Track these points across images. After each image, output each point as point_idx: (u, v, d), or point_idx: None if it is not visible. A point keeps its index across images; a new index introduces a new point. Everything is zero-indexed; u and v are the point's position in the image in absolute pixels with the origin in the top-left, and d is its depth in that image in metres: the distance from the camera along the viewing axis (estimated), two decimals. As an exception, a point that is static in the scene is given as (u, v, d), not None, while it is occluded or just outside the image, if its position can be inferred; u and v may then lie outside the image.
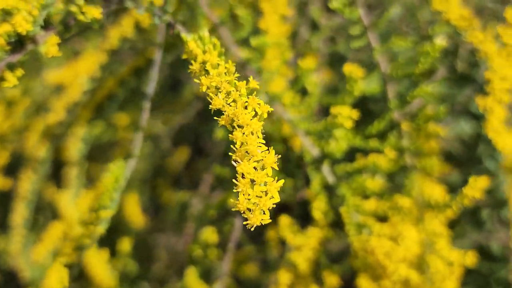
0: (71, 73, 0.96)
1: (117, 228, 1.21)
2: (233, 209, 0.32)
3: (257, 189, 0.32)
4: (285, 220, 0.66)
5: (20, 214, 0.94)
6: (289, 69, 0.75)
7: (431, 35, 0.83)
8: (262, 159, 0.32)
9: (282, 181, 0.33)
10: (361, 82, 0.62)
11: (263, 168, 0.32)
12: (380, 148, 0.64)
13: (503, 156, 0.81)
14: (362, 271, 0.63)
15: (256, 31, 0.74)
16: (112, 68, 1.05)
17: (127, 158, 0.59)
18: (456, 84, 0.83)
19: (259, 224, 0.32)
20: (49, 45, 0.51)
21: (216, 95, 0.35)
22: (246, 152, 0.33)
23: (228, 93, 0.35)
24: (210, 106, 0.35)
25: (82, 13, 0.50)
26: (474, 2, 0.94)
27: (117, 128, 1.23)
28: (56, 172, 1.16)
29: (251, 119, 0.34)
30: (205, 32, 0.41)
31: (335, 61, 0.93)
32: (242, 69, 0.70)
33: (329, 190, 0.65)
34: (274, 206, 0.32)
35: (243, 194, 0.32)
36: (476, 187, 0.62)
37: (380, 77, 0.66)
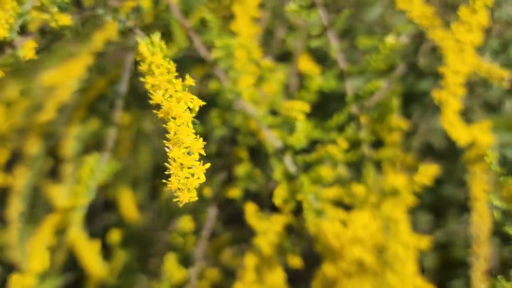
0: (61, 75, 1.02)
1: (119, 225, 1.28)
2: (166, 188, 0.38)
3: (186, 172, 0.37)
4: (250, 207, 0.71)
5: (15, 208, 1.00)
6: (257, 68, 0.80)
7: (397, 33, 0.89)
8: (190, 146, 0.38)
9: (208, 164, 0.38)
10: (318, 79, 0.67)
11: (191, 154, 0.38)
12: (337, 140, 0.69)
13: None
14: (323, 254, 0.68)
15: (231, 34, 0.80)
16: (102, 69, 1.12)
17: (102, 152, 0.65)
18: (416, 80, 0.87)
19: (187, 201, 0.37)
20: (27, 49, 0.57)
21: (156, 92, 0.40)
22: (178, 140, 0.38)
23: (166, 90, 0.40)
24: (150, 101, 0.40)
25: (55, 20, 0.55)
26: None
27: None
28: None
29: (184, 112, 0.39)
30: (156, 37, 0.46)
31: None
32: (212, 69, 0.75)
33: (292, 179, 0.70)
34: (199, 184, 0.37)
35: (174, 176, 0.37)
36: (426, 175, 0.67)
37: (337, 74, 0.71)
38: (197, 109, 0.40)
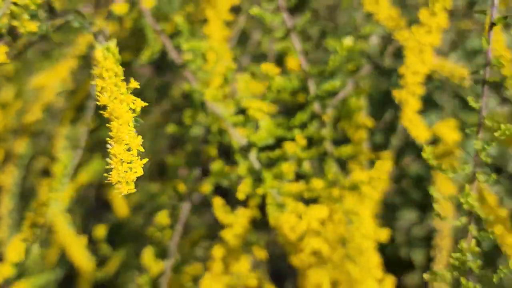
0: (48, 78, 1.06)
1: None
2: (106, 182, 0.41)
3: (125, 166, 0.41)
4: (218, 201, 0.75)
5: (5, 206, 1.05)
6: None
7: (364, 35, 0.92)
8: (129, 143, 0.42)
9: (145, 160, 0.42)
10: (279, 79, 0.71)
11: (130, 150, 0.42)
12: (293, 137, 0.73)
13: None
14: (285, 246, 0.72)
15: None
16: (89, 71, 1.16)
17: (75, 149, 0.69)
18: (380, 79, 0.91)
19: (126, 193, 0.41)
20: (-1, 54, 0.61)
21: (103, 93, 0.44)
22: (119, 138, 0.42)
23: (112, 92, 0.44)
24: (97, 102, 0.44)
25: (23, 27, 0.59)
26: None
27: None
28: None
29: (126, 112, 0.43)
30: (112, 43, 0.50)
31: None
32: (183, 70, 0.79)
33: (256, 174, 0.73)
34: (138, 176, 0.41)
35: (115, 170, 0.41)
36: (381, 169, 0.71)
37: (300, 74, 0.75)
38: (139, 109, 0.44)
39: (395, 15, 0.88)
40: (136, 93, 0.46)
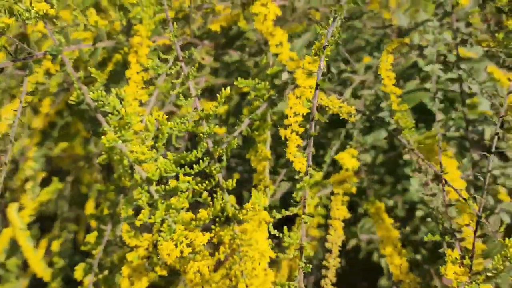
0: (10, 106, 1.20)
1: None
2: None
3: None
4: (125, 226, 0.87)
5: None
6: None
7: (273, 73, 1.03)
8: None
9: None
10: (171, 123, 0.82)
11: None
12: (191, 172, 0.84)
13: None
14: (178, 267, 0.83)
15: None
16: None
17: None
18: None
19: None
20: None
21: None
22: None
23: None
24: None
25: None
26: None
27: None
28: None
29: None
30: None
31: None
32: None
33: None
34: None
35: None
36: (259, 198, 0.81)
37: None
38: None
39: (295, 57, 0.99)
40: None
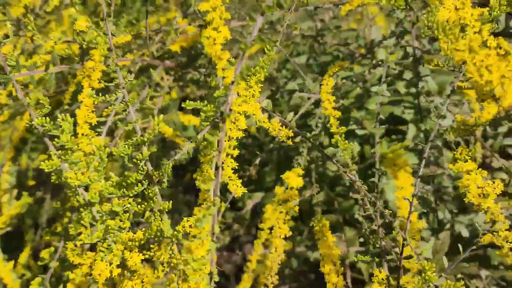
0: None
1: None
2: None
3: None
4: (70, 245, 0.92)
5: None
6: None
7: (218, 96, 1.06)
8: None
9: None
10: (115, 149, 0.87)
11: None
12: (128, 194, 0.88)
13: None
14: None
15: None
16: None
17: None
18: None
19: None
20: None
21: None
22: None
23: None
24: None
25: None
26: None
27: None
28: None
29: None
30: None
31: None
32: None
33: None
34: None
35: None
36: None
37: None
38: None
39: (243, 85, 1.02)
40: None
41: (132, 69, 1.16)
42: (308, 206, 1.18)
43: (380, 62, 1.22)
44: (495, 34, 0.76)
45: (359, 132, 1.48)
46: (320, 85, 1.31)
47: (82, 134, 0.98)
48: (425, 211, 1.39)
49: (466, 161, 0.99)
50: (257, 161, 1.22)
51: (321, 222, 1.06)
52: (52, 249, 1.05)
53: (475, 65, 0.68)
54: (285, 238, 1.42)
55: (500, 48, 0.80)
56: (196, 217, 0.89)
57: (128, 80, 0.91)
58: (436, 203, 1.38)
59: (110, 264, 0.82)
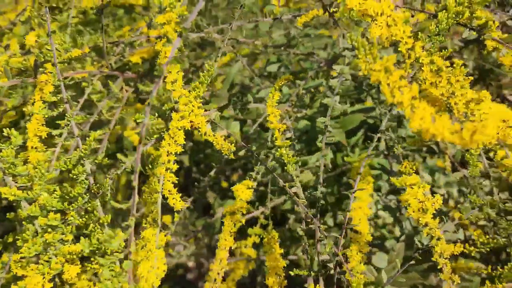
0: None
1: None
2: None
3: None
4: (14, 256, 0.94)
5: None
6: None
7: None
8: None
9: None
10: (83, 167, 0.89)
11: None
12: (69, 208, 0.90)
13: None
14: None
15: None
16: None
17: None
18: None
19: None
20: None
21: None
22: None
23: None
24: None
25: None
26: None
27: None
28: None
29: None
30: None
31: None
32: None
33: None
34: None
35: None
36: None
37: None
38: None
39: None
40: None
41: (89, 81, 1.18)
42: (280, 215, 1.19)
43: (337, 74, 1.22)
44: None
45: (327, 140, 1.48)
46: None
47: (32, 147, 1.00)
48: (390, 222, 1.39)
49: (410, 174, 0.99)
50: (212, 172, 1.23)
51: (270, 234, 1.07)
52: (6, 259, 1.07)
53: (389, 85, 0.68)
54: (254, 246, 1.43)
55: (434, 63, 0.81)
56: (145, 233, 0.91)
57: (70, 96, 0.92)
58: (400, 213, 1.38)
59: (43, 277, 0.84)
